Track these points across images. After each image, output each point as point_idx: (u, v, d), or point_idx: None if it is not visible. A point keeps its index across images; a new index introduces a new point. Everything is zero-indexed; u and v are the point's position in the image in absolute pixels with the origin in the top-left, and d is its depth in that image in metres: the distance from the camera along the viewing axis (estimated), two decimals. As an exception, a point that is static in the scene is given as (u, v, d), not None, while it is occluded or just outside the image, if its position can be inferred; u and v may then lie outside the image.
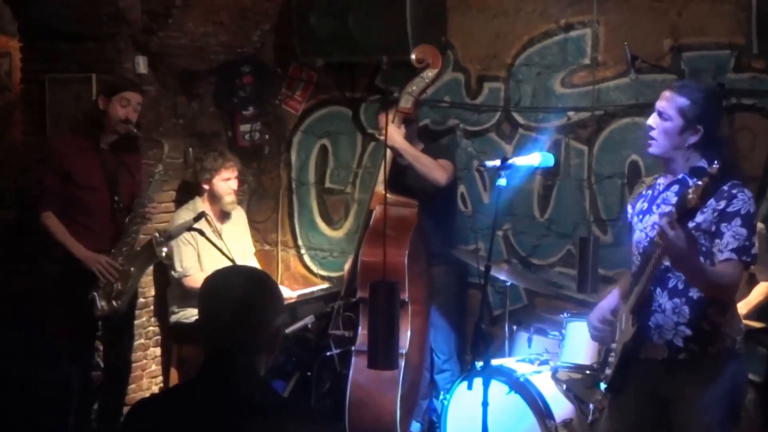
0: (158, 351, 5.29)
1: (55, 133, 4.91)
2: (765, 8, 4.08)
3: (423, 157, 4.44)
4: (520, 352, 4.44)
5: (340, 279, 5.44)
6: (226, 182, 4.99)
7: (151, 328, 5.21)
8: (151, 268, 4.86)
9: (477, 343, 3.38)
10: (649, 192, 3.13)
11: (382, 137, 4.32)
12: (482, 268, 3.58)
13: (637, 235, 3.08)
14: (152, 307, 5.21)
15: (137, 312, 4.98)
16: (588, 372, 4.03)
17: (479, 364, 3.76)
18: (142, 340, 5.13)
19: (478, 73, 5.13)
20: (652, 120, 3.00)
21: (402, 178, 4.44)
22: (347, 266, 4.79)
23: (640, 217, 3.09)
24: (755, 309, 4.27)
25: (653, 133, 2.99)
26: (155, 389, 5.20)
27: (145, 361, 5.18)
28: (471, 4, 5.09)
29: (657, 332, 2.97)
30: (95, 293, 4.23)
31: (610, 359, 3.06)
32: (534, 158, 3.58)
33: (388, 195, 4.19)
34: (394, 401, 4.01)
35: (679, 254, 2.71)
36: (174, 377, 5.10)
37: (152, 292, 5.19)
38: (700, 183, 2.56)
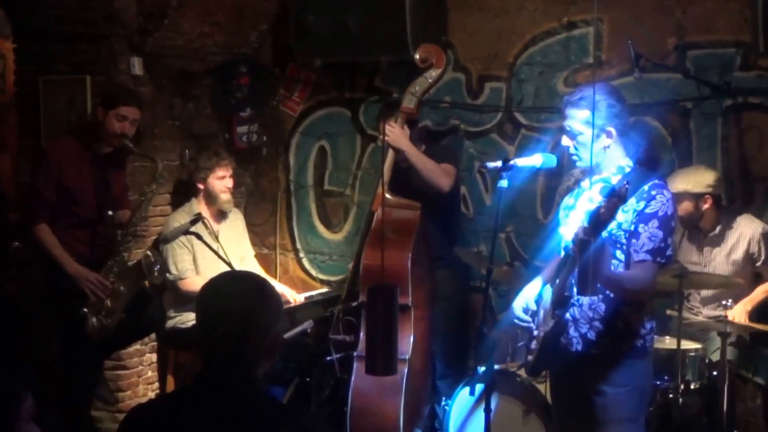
0: (154, 357, 5.22)
1: (49, 135, 4.85)
2: (771, 6, 4.04)
3: (428, 161, 4.38)
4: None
5: (340, 283, 5.38)
6: (222, 181, 4.95)
7: (147, 333, 5.14)
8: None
9: (479, 348, 3.35)
10: (576, 188, 3.23)
11: (386, 139, 4.25)
12: (484, 271, 3.52)
13: (563, 230, 3.17)
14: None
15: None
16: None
17: (482, 369, 3.70)
18: (138, 346, 5.06)
19: (479, 72, 5.08)
20: (565, 141, 3.13)
21: (404, 180, 4.38)
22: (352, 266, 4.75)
23: (567, 212, 3.19)
24: (758, 306, 4.20)
25: (572, 150, 3.11)
26: (151, 396, 5.14)
27: (141, 367, 5.11)
28: (472, 3, 5.04)
29: (573, 325, 3.08)
30: (86, 310, 4.17)
31: (532, 347, 3.16)
32: (536, 159, 3.52)
33: (390, 197, 4.15)
34: (397, 408, 3.96)
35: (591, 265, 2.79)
36: (170, 384, 5.04)
37: (148, 297, 5.12)
38: (611, 200, 2.61)
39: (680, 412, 3.85)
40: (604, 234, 2.73)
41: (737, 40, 4.38)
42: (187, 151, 5.17)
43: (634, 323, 3.06)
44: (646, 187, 2.98)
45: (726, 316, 3.92)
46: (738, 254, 4.26)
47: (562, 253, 3.11)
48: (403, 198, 4.20)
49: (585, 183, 3.17)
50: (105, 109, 4.25)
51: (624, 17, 4.60)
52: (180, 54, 5.17)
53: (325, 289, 5.54)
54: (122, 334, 4.48)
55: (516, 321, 3.24)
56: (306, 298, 5.12)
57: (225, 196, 4.97)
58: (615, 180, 3.05)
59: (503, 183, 3.32)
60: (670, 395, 3.87)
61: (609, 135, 3.06)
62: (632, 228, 2.97)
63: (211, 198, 4.96)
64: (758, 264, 4.26)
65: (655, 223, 2.95)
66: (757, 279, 4.33)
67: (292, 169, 5.76)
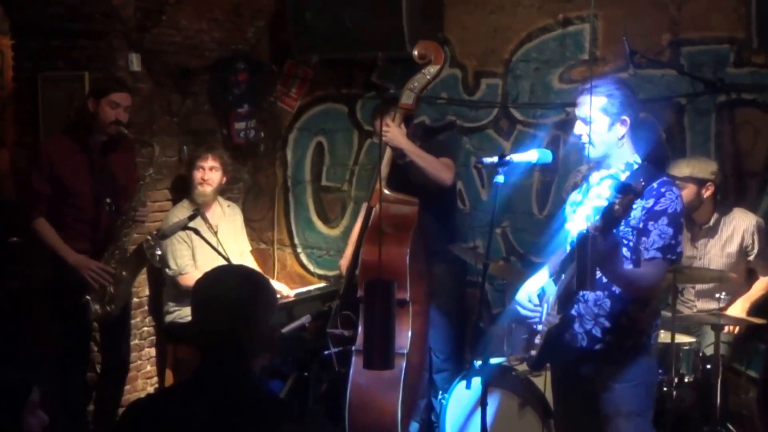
0: (153, 351, 5.24)
1: (48, 131, 4.86)
2: (765, 3, 4.07)
3: (428, 157, 4.39)
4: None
5: (337, 277, 5.40)
6: (199, 171, 4.95)
7: (145, 328, 5.16)
8: (144, 268, 4.81)
9: (476, 342, 3.37)
10: (584, 184, 3.21)
11: (383, 138, 4.26)
12: (481, 266, 3.54)
13: (569, 225, 3.14)
14: (147, 307, 5.16)
15: (132, 312, 4.95)
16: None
17: (478, 363, 3.73)
18: (137, 341, 5.08)
19: (476, 68, 5.09)
20: (578, 129, 3.10)
21: (402, 175, 4.39)
22: (342, 262, 4.75)
23: (573, 208, 3.17)
24: (756, 305, 4.23)
25: (584, 139, 3.08)
26: (150, 390, 5.16)
27: (140, 361, 5.13)
28: (468, -1, 5.05)
29: (578, 321, 3.09)
30: (89, 297, 4.18)
31: (536, 341, 3.16)
32: (532, 155, 3.54)
33: (389, 192, 4.15)
34: (396, 402, 3.97)
35: (602, 262, 2.78)
36: (169, 378, 5.06)
37: (147, 292, 5.14)
38: (626, 196, 2.61)
39: (674, 405, 3.88)
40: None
41: (731, 37, 4.38)
42: (185, 147, 5.19)
43: (639, 321, 3.06)
44: (655, 185, 2.97)
45: (720, 310, 3.96)
46: (733, 247, 4.28)
47: (568, 249, 3.09)
48: (401, 194, 4.22)
49: (593, 178, 3.16)
50: (96, 98, 4.22)
51: (619, 14, 4.60)
52: (178, 50, 5.18)
53: (322, 284, 5.56)
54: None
55: (521, 310, 3.23)
56: (296, 295, 5.13)
57: (200, 188, 4.96)
58: (623, 177, 3.03)
59: (499, 178, 3.35)
60: (665, 389, 3.88)
61: (624, 123, 3.05)
62: (641, 225, 2.97)
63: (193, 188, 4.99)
64: (750, 258, 4.30)
65: (664, 220, 2.95)
66: (751, 274, 4.36)
67: (290, 165, 5.77)
